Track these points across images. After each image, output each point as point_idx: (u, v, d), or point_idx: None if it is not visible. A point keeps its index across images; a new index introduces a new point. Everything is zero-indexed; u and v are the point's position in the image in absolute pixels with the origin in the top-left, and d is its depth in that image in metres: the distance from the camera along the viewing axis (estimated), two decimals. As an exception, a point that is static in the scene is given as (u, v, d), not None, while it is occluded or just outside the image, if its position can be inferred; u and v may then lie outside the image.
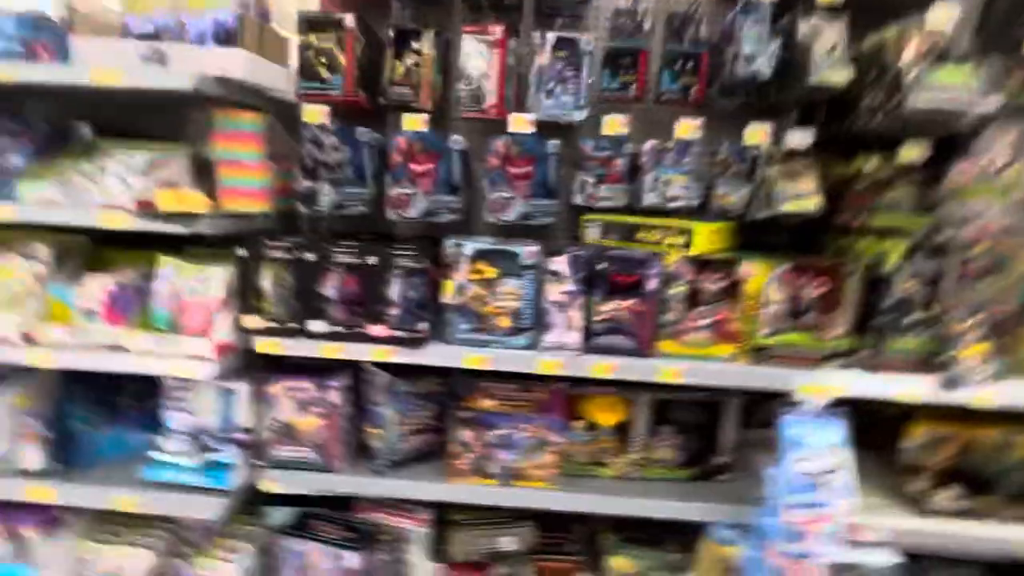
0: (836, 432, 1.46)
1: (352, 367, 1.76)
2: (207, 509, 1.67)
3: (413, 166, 1.72)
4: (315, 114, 1.69)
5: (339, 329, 1.62)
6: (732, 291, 1.61)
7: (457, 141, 1.75)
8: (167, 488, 1.70)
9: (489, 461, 1.70)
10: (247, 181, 1.71)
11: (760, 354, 1.59)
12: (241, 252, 1.60)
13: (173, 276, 1.65)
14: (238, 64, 1.48)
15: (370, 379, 1.75)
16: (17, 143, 1.73)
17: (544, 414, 1.71)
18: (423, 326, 1.60)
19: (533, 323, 1.62)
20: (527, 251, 1.58)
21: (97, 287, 1.67)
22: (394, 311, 1.63)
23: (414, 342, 1.60)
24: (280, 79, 1.76)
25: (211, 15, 1.73)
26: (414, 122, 1.65)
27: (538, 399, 1.75)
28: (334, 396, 1.68)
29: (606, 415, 1.80)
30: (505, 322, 1.62)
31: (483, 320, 1.62)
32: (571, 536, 1.94)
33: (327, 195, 1.73)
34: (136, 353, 1.61)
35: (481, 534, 1.77)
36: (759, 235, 2.10)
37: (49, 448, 1.75)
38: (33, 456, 1.73)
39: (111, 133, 1.83)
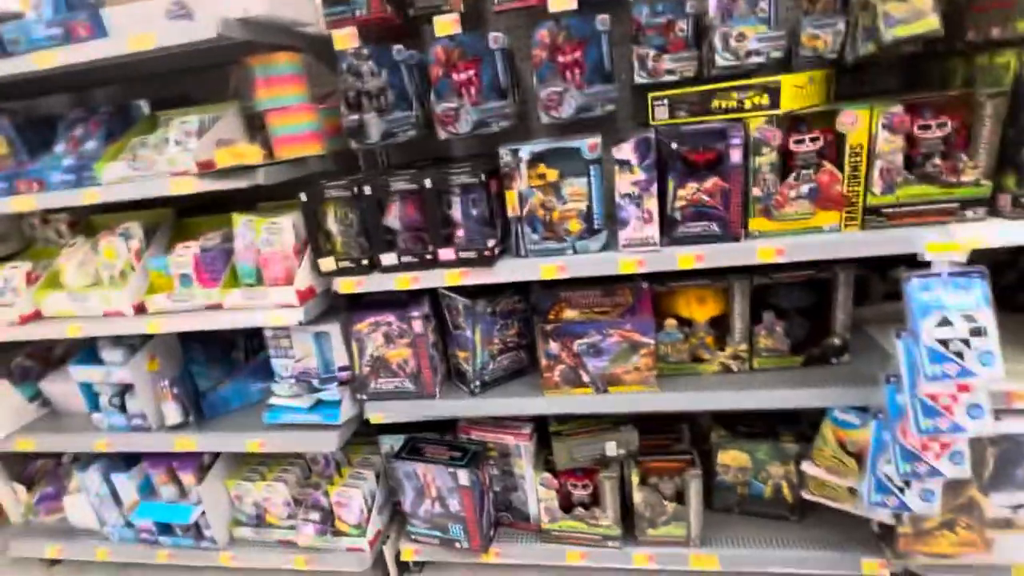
0: (975, 293, 1.25)
1: (431, 294, 1.76)
2: (324, 443, 1.79)
3: (455, 76, 1.61)
4: (346, 39, 1.61)
5: (409, 259, 1.60)
6: (832, 149, 1.39)
7: (497, 39, 1.60)
8: (287, 428, 1.84)
9: (580, 370, 1.66)
10: (296, 126, 1.69)
11: (875, 217, 1.39)
12: (303, 197, 1.60)
13: (249, 231, 1.70)
14: (259, 2, 1.41)
15: (450, 304, 1.74)
16: (90, 130, 1.81)
17: (631, 316, 1.63)
18: (491, 243, 1.54)
19: (606, 222, 1.51)
20: (588, 144, 1.45)
21: (187, 254, 1.76)
22: (460, 232, 1.58)
23: (484, 260, 1.55)
24: (305, 11, 1.68)
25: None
26: (447, 25, 1.52)
27: (623, 302, 1.66)
28: (417, 325, 1.69)
29: (699, 309, 1.68)
30: (576, 225, 1.52)
31: (552, 227, 1.53)
32: (677, 435, 1.89)
33: (374, 125, 1.67)
34: (231, 309, 1.70)
35: (584, 441, 1.76)
36: (861, 82, 1.80)
37: (182, 404, 1.94)
38: (172, 412, 1.93)
39: (168, 106, 1.87)
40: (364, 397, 1.81)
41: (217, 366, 2.08)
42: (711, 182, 1.42)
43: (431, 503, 1.86)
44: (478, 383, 1.76)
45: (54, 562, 2.33)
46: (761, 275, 1.60)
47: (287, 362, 1.87)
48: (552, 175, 1.49)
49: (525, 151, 1.48)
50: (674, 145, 1.42)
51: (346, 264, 1.64)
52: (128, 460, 2.08)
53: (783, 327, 1.64)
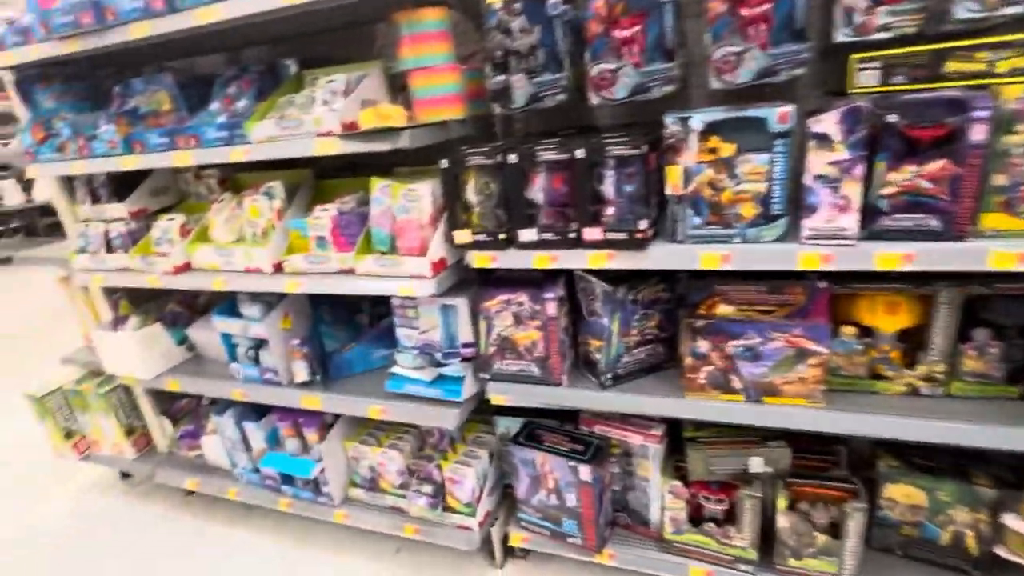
0: None
1: (569, 275, 1.63)
2: (443, 418, 1.74)
3: (616, 33, 1.43)
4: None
5: (550, 236, 1.47)
6: (1118, 129, 1.07)
7: (669, -10, 1.39)
8: (407, 399, 1.81)
9: (732, 375, 1.46)
10: (439, 87, 1.60)
11: None
12: (444, 163, 1.51)
13: (386, 197, 1.65)
14: None
15: (588, 288, 1.60)
16: (242, 88, 1.84)
17: (801, 319, 1.40)
18: (644, 224, 1.37)
19: (788, 207, 1.28)
20: (779, 113, 1.22)
21: (324, 216, 1.75)
22: (610, 210, 1.42)
23: (635, 243, 1.38)
24: (457, -37, 1.58)
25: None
26: None
27: (792, 301, 1.43)
28: (550, 308, 1.57)
29: (887, 318, 1.41)
30: (749, 210, 1.30)
31: (720, 209, 1.33)
32: (834, 457, 1.64)
33: (521, 88, 1.54)
34: (363, 276, 1.67)
35: (724, 453, 1.57)
36: None
37: (310, 364, 1.97)
38: (300, 371, 1.97)
39: (314, 66, 1.86)
40: (487, 377, 1.73)
41: (343, 329, 2.10)
42: (937, 165, 1.14)
43: (546, 494, 1.77)
44: (610, 376, 1.62)
45: (190, 492, 2.53)
46: (979, 283, 1.30)
47: (412, 332, 1.83)
48: (727, 149, 1.28)
49: (697, 120, 1.28)
50: (891, 118, 1.16)
51: (482, 237, 1.54)
52: (259, 410, 2.18)
53: (1000, 349, 1.34)
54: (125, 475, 2.71)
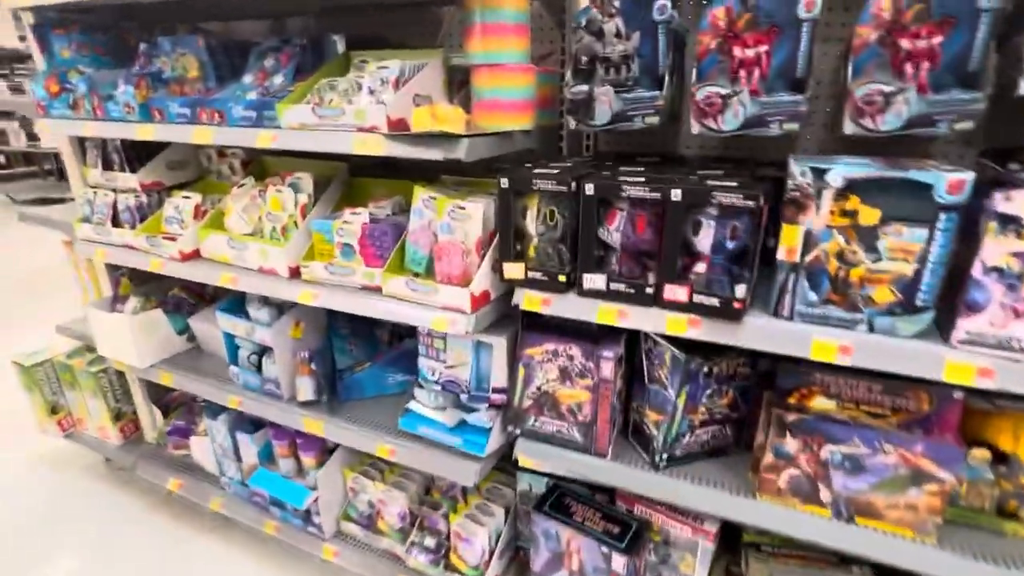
0: None
1: (631, 332, 1.37)
2: (460, 472, 1.49)
3: (737, 50, 1.16)
4: (595, -13, 1.22)
5: (622, 287, 1.21)
6: None
7: (814, 3, 1.12)
8: (422, 442, 1.57)
9: (821, 484, 1.19)
10: (509, 90, 1.34)
11: None
12: (503, 182, 1.26)
13: (428, 210, 1.41)
14: None
15: (654, 351, 1.34)
16: (280, 62, 1.61)
17: (924, 434, 1.12)
18: (742, 291, 1.10)
19: (938, 299, 1.01)
20: (951, 181, 0.94)
21: (355, 221, 1.51)
22: (701, 267, 1.15)
23: (728, 313, 1.11)
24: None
25: None
26: None
27: (912, 408, 1.15)
28: (606, 369, 1.31)
29: (1032, 446, 1.13)
30: (885, 294, 1.03)
31: (846, 288, 1.05)
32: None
33: (606, 102, 1.28)
34: (390, 297, 1.43)
35: (795, 570, 1.30)
36: None
37: (317, 381, 1.74)
38: (305, 387, 1.74)
39: (364, 46, 1.61)
40: (517, 432, 1.48)
41: (359, 344, 1.87)
42: None
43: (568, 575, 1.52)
44: (664, 456, 1.36)
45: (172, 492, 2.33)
46: None
47: (436, 365, 1.59)
48: (869, 216, 1.01)
49: (838, 174, 1.01)
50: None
51: (538, 275, 1.28)
52: (255, 420, 1.96)
53: None
54: (108, 458, 2.52)
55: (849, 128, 1.13)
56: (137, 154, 1.91)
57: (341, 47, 1.61)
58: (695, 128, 1.22)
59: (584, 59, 1.32)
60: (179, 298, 2.13)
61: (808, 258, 1.06)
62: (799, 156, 1.15)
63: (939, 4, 1.05)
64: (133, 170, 1.91)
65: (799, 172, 1.04)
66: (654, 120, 1.27)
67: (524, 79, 1.35)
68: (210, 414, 2.02)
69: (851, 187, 1.01)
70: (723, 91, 1.17)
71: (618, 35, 1.28)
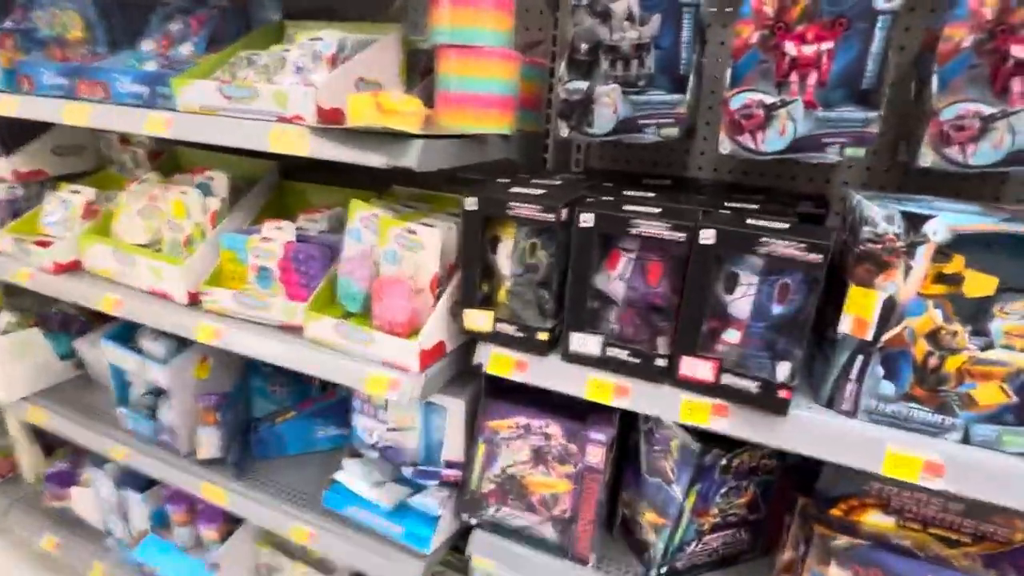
0: None
1: (625, 412, 1.05)
2: (395, 572, 1.15)
3: (790, 46, 0.87)
4: (607, -50, 0.91)
5: (623, 354, 0.89)
6: None
7: (898, -10, 0.84)
8: (350, 526, 1.22)
9: (873, 629, 0.89)
10: (484, 80, 1.02)
11: None
12: (470, 203, 0.93)
13: (369, 232, 1.07)
14: None
15: (657, 434, 1.02)
16: (190, 28, 1.25)
17: (1014, 572, 0.83)
18: (787, 373, 0.80)
19: (1070, 408, 0.72)
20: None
21: (276, 238, 1.16)
22: (734, 335, 0.85)
23: (770, 402, 0.81)
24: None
25: None
26: None
27: (1001, 537, 0.87)
28: (596, 455, 1.00)
29: None
30: (992, 395, 0.74)
31: (936, 381, 0.76)
32: None
33: (610, 105, 0.97)
34: (313, 342, 1.08)
35: None
36: None
37: (224, 434, 1.37)
38: (209, 442, 1.37)
39: (307, 17, 1.27)
40: (473, 521, 1.14)
41: (285, 386, 1.50)
42: None
43: None
44: (664, 569, 1.04)
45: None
46: None
47: (375, 426, 1.24)
48: (982, 285, 0.72)
49: (943, 224, 0.71)
50: None
51: (510, 329, 0.96)
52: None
53: None
54: (-21, 500, 2.07)
55: (926, 158, 0.85)
56: (11, 134, 1.51)
57: (275, 16, 1.27)
58: (725, 147, 0.92)
59: (584, 47, 1.01)
60: (66, 315, 1.73)
61: (887, 336, 0.76)
62: (879, 195, 0.86)
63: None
64: (8, 153, 1.52)
65: (883, 217, 0.74)
66: (672, 132, 0.97)
67: (504, 68, 1.03)
68: (95, 461, 1.63)
69: (957, 243, 0.72)
70: (768, 99, 0.88)
71: (630, 18, 0.97)
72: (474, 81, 1.03)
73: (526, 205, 0.89)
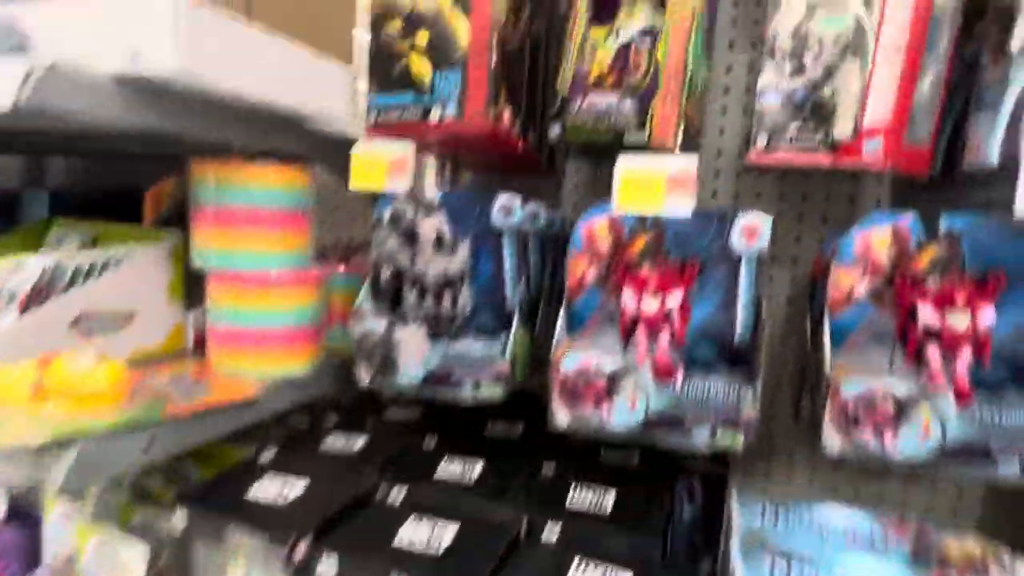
0: None
1: None
2: None
3: (629, 297, 0.65)
4: (399, 166, 0.71)
5: None
6: None
7: (758, 230, 0.63)
8: None
9: None
10: (266, 314, 0.77)
11: None
12: (179, 520, 0.63)
13: (67, 532, 0.74)
14: (167, 55, 0.53)
15: None
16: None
17: None
18: None
19: None
20: None
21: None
22: None
23: None
24: (331, 90, 0.81)
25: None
26: (652, 187, 0.58)
27: None
28: None
29: None
30: None
31: None
32: None
33: (415, 352, 0.73)
34: None
35: None
36: None
37: None
38: None
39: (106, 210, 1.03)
40: None
41: None
42: None
43: None
44: None
45: None
46: None
47: None
48: None
49: None
50: None
51: None
52: None
53: None
54: None
55: (835, 447, 0.62)
56: None
57: (44, 211, 1.03)
58: (562, 419, 0.67)
59: (386, 274, 0.78)
60: None
61: None
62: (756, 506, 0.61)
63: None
64: None
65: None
66: (494, 391, 0.72)
67: (293, 295, 0.79)
68: None
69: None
70: (607, 365, 0.64)
71: (441, 241, 0.75)
72: (251, 314, 0.78)
73: (253, 529, 0.59)
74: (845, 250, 0.63)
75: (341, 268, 0.93)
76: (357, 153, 0.66)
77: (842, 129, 0.64)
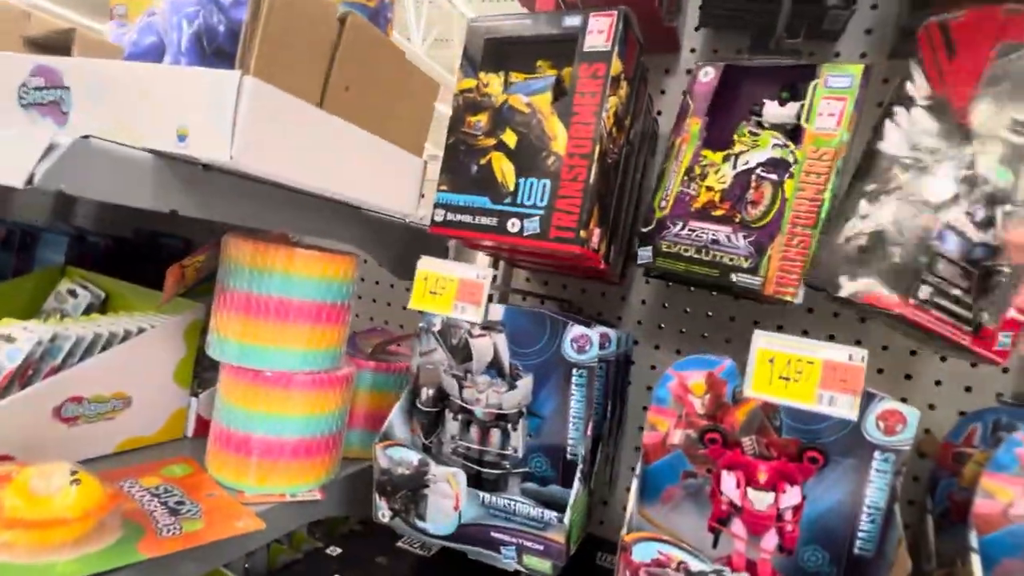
0: None
1: None
2: None
3: (736, 482, 0.52)
4: (469, 292, 0.60)
5: None
6: None
7: (880, 423, 0.51)
8: None
9: None
10: (277, 419, 0.65)
11: None
12: None
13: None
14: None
15: None
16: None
17: None
18: None
19: None
20: None
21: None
22: None
23: None
24: (396, 179, 0.72)
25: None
26: (806, 376, 0.47)
27: None
28: None
29: None
30: None
31: None
32: None
33: (449, 497, 0.60)
34: None
35: None
36: None
37: None
38: None
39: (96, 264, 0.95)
40: None
41: None
42: None
43: None
44: None
45: None
46: None
47: None
48: None
49: None
50: None
51: None
52: None
53: None
54: None
55: None
56: None
57: (60, 255, 0.94)
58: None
59: (427, 393, 0.67)
60: None
61: None
62: None
63: None
64: None
65: None
66: (542, 567, 0.58)
67: (314, 402, 0.67)
68: None
69: None
70: (695, 565, 0.50)
71: (496, 368, 0.64)
72: (264, 419, 0.66)
73: None
74: (660, 391, 0.53)
75: (371, 365, 0.82)
76: (424, 269, 0.56)
77: (992, 313, 0.52)
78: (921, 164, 0.53)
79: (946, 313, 0.53)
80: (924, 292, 0.53)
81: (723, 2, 0.69)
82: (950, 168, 0.52)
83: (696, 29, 0.83)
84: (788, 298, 0.56)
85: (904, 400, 0.77)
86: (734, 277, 0.58)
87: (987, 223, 0.51)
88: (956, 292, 0.52)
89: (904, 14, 0.67)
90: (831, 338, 0.77)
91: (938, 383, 0.75)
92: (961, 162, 0.52)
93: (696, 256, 0.60)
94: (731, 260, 0.58)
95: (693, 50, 0.86)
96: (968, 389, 0.74)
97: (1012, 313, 0.51)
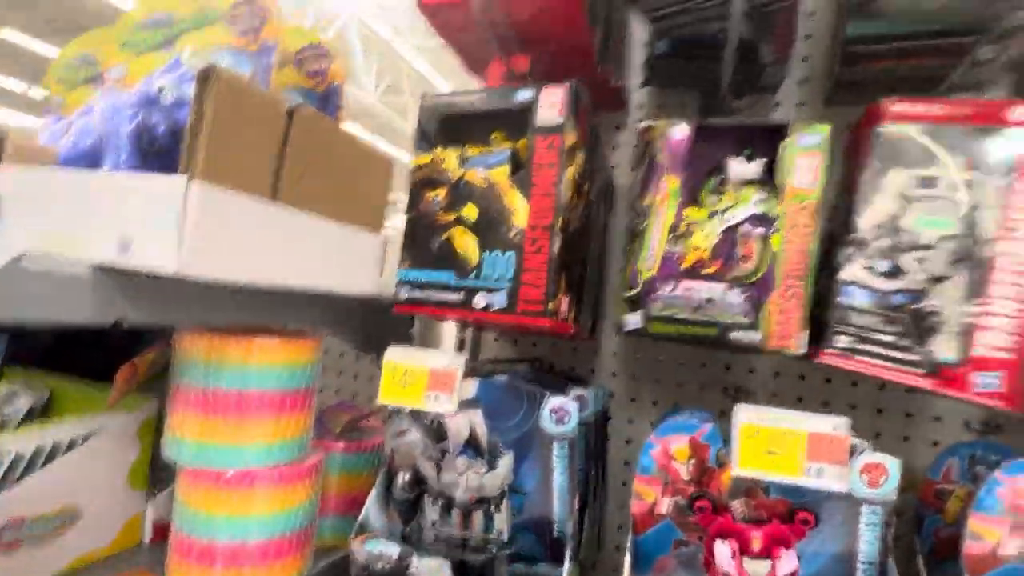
0: None
1: None
2: None
3: (731, 553, 0.51)
4: (440, 382, 0.58)
5: None
6: None
7: (865, 476, 0.51)
8: None
9: None
10: (237, 521, 0.61)
11: None
12: None
13: None
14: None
15: None
16: None
17: None
18: None
19: None
20: None
21: None
22: None
23: None
24: (356, 261, 0.70)
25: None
26: (790, 450, 0.46)
27: None
28: None
29: None
30: None
31: None
32: None
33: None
34: None
35: None
36: None
37: None
38: None
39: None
40: None
41: None
42: None
43: None
44: None
45: None
46: None
47: None
48: None
49: None
50: None
51: None
52: None
53: None
54: None
55: None
56: None
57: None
58: None
59: (404, 478, 0.64)
60: None
61: None
62: None
63: None
64: None
65: None
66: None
67: (281, 498, 0.63)
68: None
69: None
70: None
71: (473, 447, 0.62)
72: (228, 523, 0.62)
73: None
74: (644, 459, 0.54)
75: (340, 446, 0.78)
76: (391, 360, 0.54)
77: (944, 351, 0.54)
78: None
79: (881, 358, 0.55)
80: (843, 341, 0.55)
81: (667, 63, 0.71)
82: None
83: (641, 87, 0.86)
84: (791, 350, 0.56)
85: (878, 435, 0.78)
86: (733, 335, 0.58)
87: (895, 272, 0.54)
88: (886, 338, 0.54)
89: (835, 65, 0.71)
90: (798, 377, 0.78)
91: (908, 415, 0.77)
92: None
93: (691, 317, 0.59)
94: (730, 318, 0.58)
95: (641, 106, 0.88)
96: (938, 419, 0.75)
97: (982, 351, 0.52)
